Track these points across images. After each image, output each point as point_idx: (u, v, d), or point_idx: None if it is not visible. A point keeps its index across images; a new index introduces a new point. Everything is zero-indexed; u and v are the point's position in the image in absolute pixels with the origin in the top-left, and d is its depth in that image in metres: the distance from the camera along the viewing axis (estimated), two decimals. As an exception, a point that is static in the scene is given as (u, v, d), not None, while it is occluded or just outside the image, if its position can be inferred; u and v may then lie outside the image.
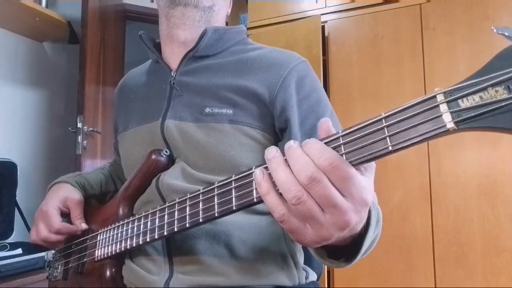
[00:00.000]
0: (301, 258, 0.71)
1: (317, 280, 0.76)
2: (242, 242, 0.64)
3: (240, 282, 0.63)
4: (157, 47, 0.79)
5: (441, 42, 1.91)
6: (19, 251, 1.48)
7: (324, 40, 2.14)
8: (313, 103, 0.67)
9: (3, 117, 1.95)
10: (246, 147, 0.65)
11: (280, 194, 0.39)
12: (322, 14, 2.17)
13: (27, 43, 2.09)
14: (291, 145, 0.39)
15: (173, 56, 0.75)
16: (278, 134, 0.68)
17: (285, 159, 0.39)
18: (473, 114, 0.30)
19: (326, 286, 1.97)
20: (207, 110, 0.67)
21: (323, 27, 2.13)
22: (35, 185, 1.98)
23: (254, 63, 0.70)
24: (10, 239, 1.70)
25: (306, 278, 0.70)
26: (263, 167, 0.41)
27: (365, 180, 0.38)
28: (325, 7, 2.21)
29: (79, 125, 1.89)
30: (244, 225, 0.65)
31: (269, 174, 0.40)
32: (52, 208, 0.75)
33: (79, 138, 1.89)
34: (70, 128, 1.94)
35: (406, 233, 1.87)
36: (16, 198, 1.74)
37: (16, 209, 1.74)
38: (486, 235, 1.75)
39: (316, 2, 2.22)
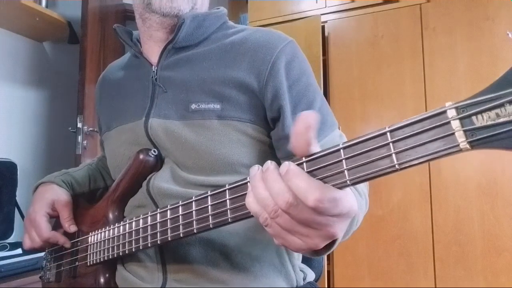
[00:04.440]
0: (298, 259, 0.70)
1: (317, 280, 0.76)
2: (238, 247, 0.62)
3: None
4: (134, 38, 0.75)
5: (441, 42, 1.91)
6: (19, 251, 1.48)
7: (324, 40, 2.14)
8: (303, 87, 0.64)
9: (3, 117, 1.94)
10: (237, 143, 0.62)
11: None
12: (322, 14, 2.17)
13: (27, 43, 2.09)
14: (268, 167, 0.39)
15: (152, 50, 0.71)
16: (269, 124, 0.64)
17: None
18: (488, 135, 0.27)
19: (326, 286, 1.97)
20: (193, 106, 0.63)
21: (323, 27, 2.13)
22: (35, 185, 1.97)
23: (238, 49, 0.65)
24: (10, 239, 1.70)
25: (304, 279, 0.69)
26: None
27: (351, 195, 0.38)
28: (325, 7, 2.20)
29: (79, 125, 1.89)
30: (239, 230, 0.62)
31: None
32: (40, 215, 0.72)
33: (79, 138, 1.89)
34: (70, 128, 1.93)
35: (406, 233, 1.87)
36: (16, 198, 1.74)
37: (16, 209, 1.73)
38: (486, 235, 1.75)
39: (316, 2, 2.22)
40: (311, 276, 0.72)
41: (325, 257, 1.77)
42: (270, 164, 0.39)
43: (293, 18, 2.27)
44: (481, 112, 0.28)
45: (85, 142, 1.90)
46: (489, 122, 0.27)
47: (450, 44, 1.89)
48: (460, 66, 1.86)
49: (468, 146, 0.29)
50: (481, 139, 0.28)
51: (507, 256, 1.71)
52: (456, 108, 0.29)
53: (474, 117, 0.28)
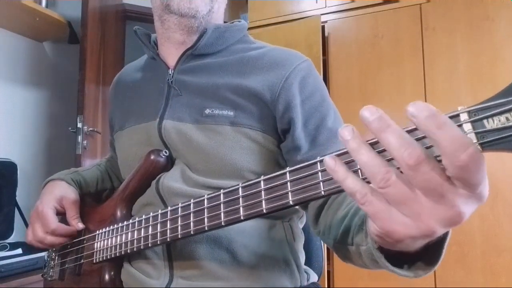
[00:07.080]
0: (302, 259, 0.71)
1: (318, 280, 0.76)
2: (244, 246, 0.63)
3: (242, 286, 0.62)
4: (152, 41, 0.77)
5: (441, 42, 1.91)
6: (19, 251, 1.48)
7: (324, 40, 2.14)
8: (317, 103, 0.65)
9: (3, 117, 1.94)
10: (248, 150, 0.64)
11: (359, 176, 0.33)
12: (322, 14, 2.17)
13: (27, 43, 2.09)
14: (379, 114, 0.31)
15: (170, 53, 0.73)
16: (280, 136, 0.66)
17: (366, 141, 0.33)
18: (499, 137, 0.29)
19: (326, 286, 1.97)
20: (207, 111, 0.65)
21: (323, 27, 2.13)
22: (35, 185, 1.97)
23: (255, 63, 0.68)
24: (10, 239, 1.70)
25: (308, 280, 0.70)
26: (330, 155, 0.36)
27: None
28: (325, 7, 2.20)
29: (79, 125, 1.89)
30: (246, 230, 0.64)
31: (340, 158, 0.35)
32: (48, 208, 0.72)
33: (79, 138, 1.89)
34: (70, 128, 1.93)
35: (406, 233, 1.87)
36: (16, 198, 1.74)
37: (16, 209, 1.74)
38: (486, 235, 1.75)
39: (316, 2, 2.22)
40: (314, 277, 0.72)
41: (325, 257, 1.77)
42: (376, 109, 0.31)
43: (293, 18, 2.27)
44: (491, 116, 0.29)
45: (85, 142, 1.90)
46: (499, 126, 0.29)
47: (450, 44, 1.89)
48: (460, 66, 1.86)
49: (479, 147, 0.30)
50: (491, 141, 0.29)
51: (507, 256, 1.71)
52: (468, 112, 0.30)
53: (485, 121, 0.29)
